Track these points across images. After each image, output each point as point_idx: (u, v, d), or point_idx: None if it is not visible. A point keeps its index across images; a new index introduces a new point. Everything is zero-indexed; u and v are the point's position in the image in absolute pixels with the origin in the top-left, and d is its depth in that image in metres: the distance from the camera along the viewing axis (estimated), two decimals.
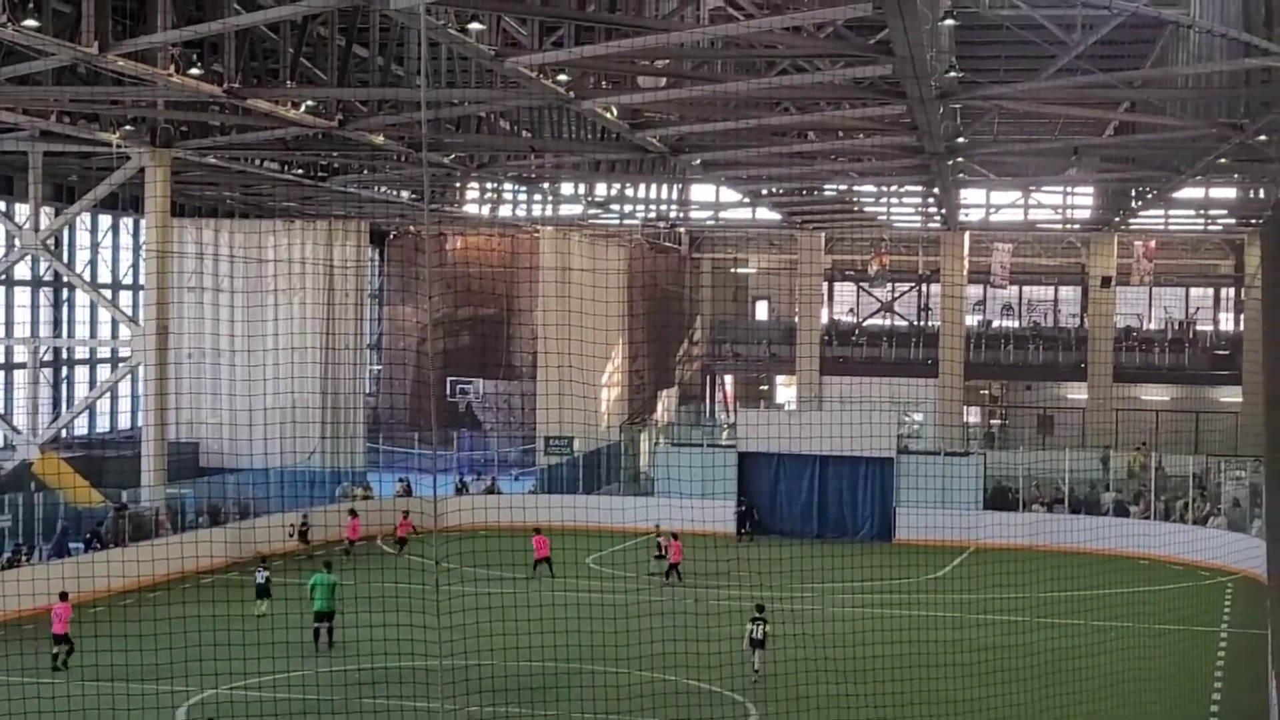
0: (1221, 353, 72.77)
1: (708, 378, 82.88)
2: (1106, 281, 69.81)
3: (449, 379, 74.48)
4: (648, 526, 48.33)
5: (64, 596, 33.95)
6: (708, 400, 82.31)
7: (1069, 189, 68.75)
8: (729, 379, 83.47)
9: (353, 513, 49.24)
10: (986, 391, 77.92)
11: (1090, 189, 68.18)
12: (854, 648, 31.76)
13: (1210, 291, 78.62)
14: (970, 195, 67.66)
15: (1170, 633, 38.55)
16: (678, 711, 29.00)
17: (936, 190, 57.65)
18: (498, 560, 45.66)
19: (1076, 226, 71.65)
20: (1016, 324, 78.34)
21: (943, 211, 65.08)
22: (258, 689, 30.36)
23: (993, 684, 31.18)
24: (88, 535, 43.45)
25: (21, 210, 52.04)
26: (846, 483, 54.45)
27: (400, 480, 57.52)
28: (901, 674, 30.41)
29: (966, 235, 69.38)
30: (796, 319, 74.97)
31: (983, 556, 49.39)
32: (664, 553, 44.88)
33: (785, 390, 79.67)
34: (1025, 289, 79.11)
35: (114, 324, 55.84)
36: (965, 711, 29.38)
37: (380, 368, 77.34)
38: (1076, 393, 73.34)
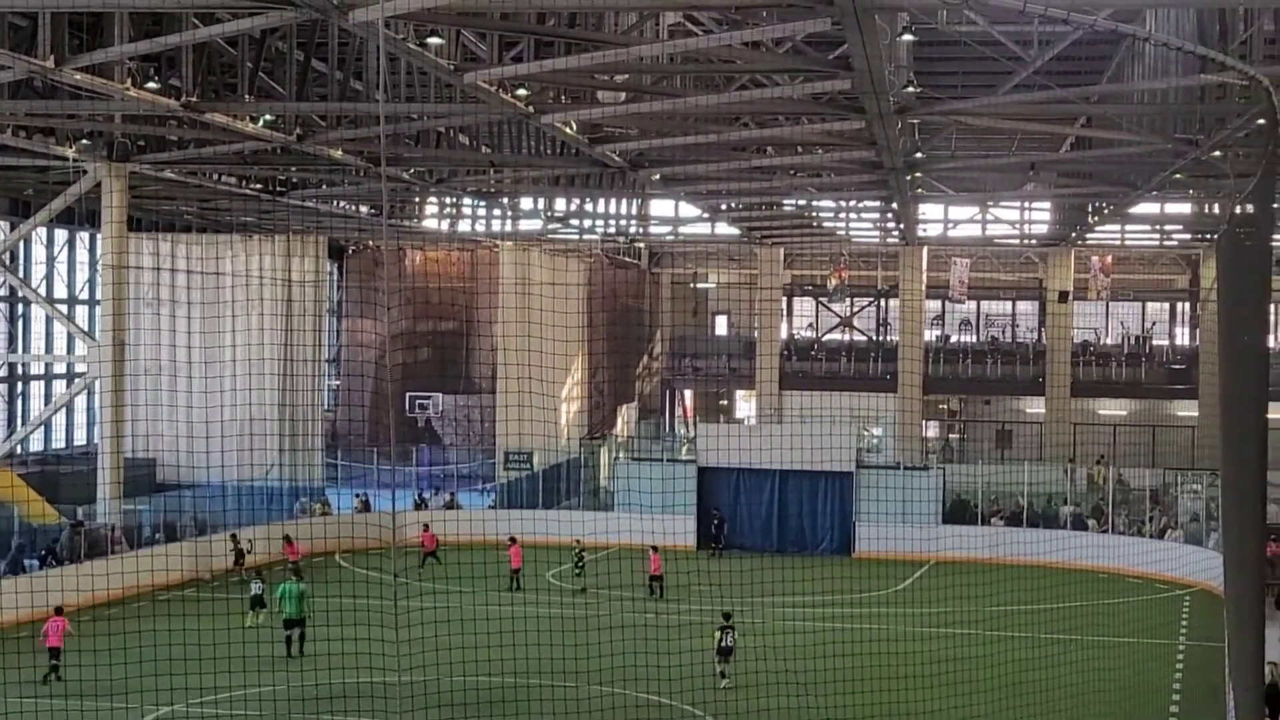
0: (1178, 367, 73.23)
1: (667, 392, 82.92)
2: (1064, 296, 70.14)
3: (408, 393, 74.29)
4: (609, 541, 48.32)
5: (59, 611, 33.86)
6: (667, 415, 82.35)
7: (1026, 204, 69.09)
8: (689, 393, 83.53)
9: (287, 539, 48.48)
10: (945, 406, 78.18)
11: (1047, 204, 68.54)
12: (814, 660, 31.78)
13: (1166, 306, 79.14)
14: (928, 210, 67.93)
15: (1128, 645, 38.74)
16: None
17: (895, 205, 57.84)
18: (457, 574, 45.61)
19: (1034, 242, 72.01)
20: (975, 338, 78.65)
21: (901, 226, 65.29)
22: (214, 705, 30.19)
23: (952, 696, 31.28)
24: (43, 552, 43.11)
25: None
26: (806, 497, 54.53)
27: (359, 495, 57.32)
28: (861, 686, 30.44)
29: (925, 250, 69.62)
30: (756, 334, 75.07)
31: (942, 570, 49.52)
32: (582, 566, 45.47)
33: (745, 405, 79.78)
34: (983, 304, 79.42)
35: (70, 339, 55.43)
36: None
37: (339, 382, 77.11)
38: (1035, 407, 73.65)
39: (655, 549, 44.91)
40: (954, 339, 78.14)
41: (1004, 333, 79.30)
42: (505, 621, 36.57)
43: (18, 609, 37.87)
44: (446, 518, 53.39)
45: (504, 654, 32.28)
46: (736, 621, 34.91)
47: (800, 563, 48.73)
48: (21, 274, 55.71)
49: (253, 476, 54.94)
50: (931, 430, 75.68)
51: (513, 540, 45.96)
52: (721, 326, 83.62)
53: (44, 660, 32.05)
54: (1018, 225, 71.39)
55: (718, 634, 33.21)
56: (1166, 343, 77.14)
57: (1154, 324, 78.13)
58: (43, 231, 57.64)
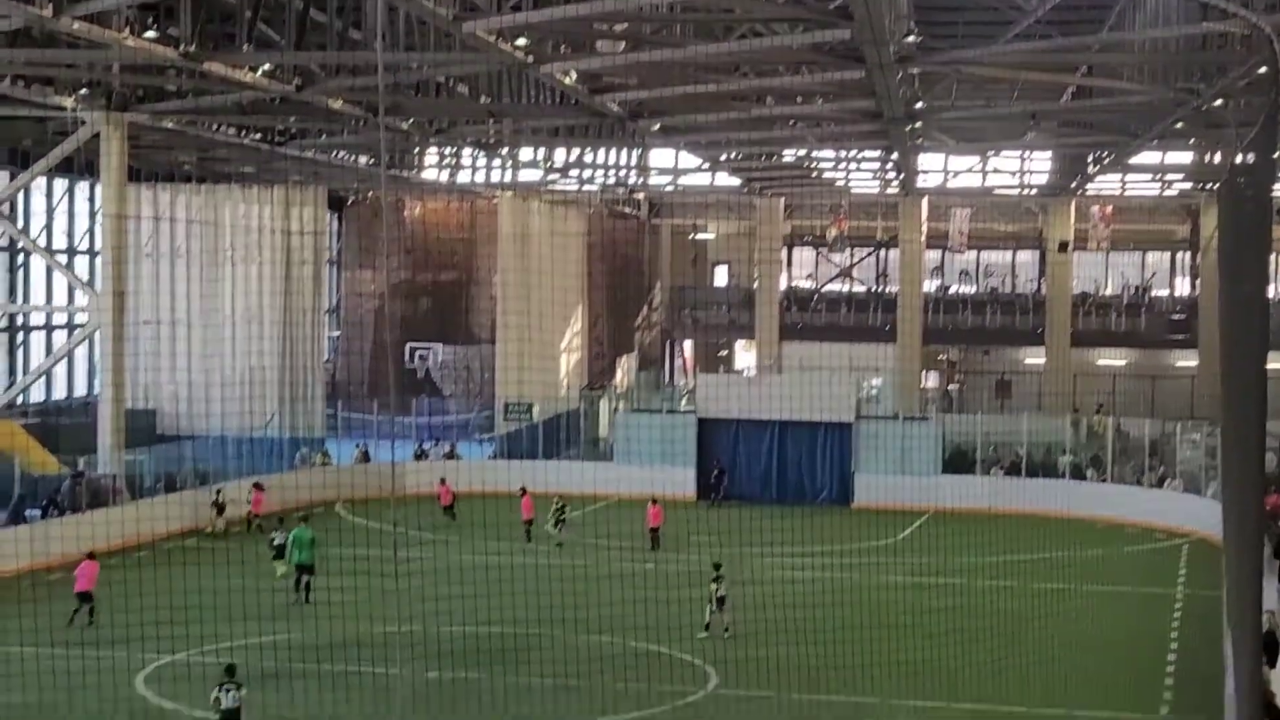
0: (1178, 317, 73.18)
1: (667, 343, 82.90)
2: (1064, 246, 70.03)
3: (408, 344, 74.29)
4: (608, 491, 48.40)
5: (91, 556, 33.91)
6: (667, 366, 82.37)
7: (1027, 154, 68.90)
8: (688, 345, 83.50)
9: (257, 485, 47.99)
10: (944, 356, 78.15)
11: (1048, 154, 68.32)
12: (812, 609, 31.88)
13: (1167, 256, 79.02)
14: (928, 160, 67.73)
15: (1127, 594, 38.88)
16: (637, 675, 29.09)
17: (895, 155, 57.69)
18: (456, 525, 45.78)
19: (1034, 192, 71.82)
20: (974, 289, 78.56)
21: (901, 177, 65.14)
22: (215, 655, 30.30)
23: (950, 645, 31.39)
24: (44, 502, 43.22)
25: None
26: (806, 448, 54.59)
27: (359, 446, 57.39)
28: (860, 635, 30.55)
29: (925, 200, 69.48)
30: (756, 284, 74.99)
31: (941, 520, 49.66)
32: (561, 521, 45.21)
33: (745, 356, 79.75)
34: (983, 254, 79.28)
35: (70, 289, 55.44)
36: (923, 673, 29.57)
37: (338, 333, 77.11)
38: (1034, 357, 73.65)
39: (655, 501, 45.00)
40: (953, 289, 78.03)
41: (1004, 283, 79.20)
42: (505, 571, 36.68)
43: (18, 558, 38.01)
44: (446, 469, 53.44)
45: (504, 604, 32.38)
46: (734, 573, 35.03)
47: (799, 513, 48.79)
48: (21, 224, 55.61)
49: (253, 427, 55.01)
50: (931, 381, 75.69)
51: (524, 491, 45.93)
52: (721, 277, 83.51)
53: (60, 607, 32.13)
54: (1018, 175, 71.22)
55: (712, 586, 33.27)
56: (1166, 293, 77.08)
57: (1154, 274, 78.05)
58: (42, 182, 57.47)
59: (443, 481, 49.43)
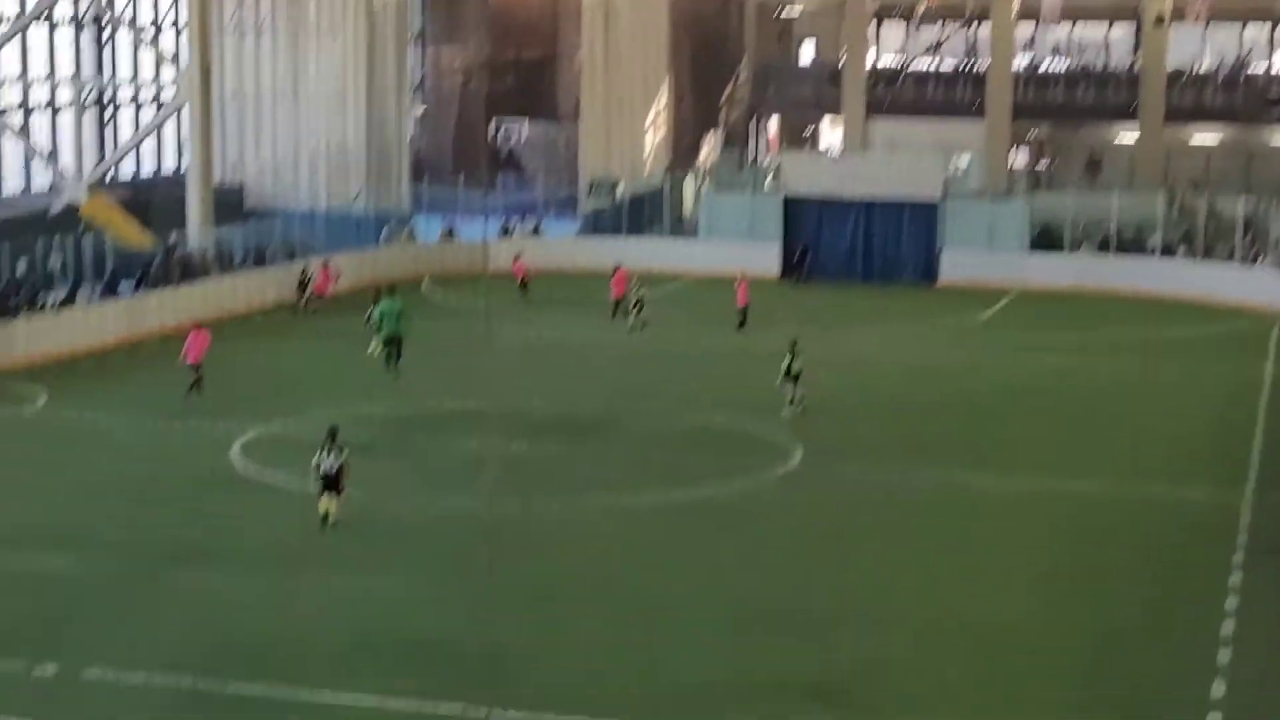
0: (1275, 93, 71.43)
1: (752, 121, 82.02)
2: (1160, 20, 68.27)
3: (492, 121, 73.97)
4: (690, 270, 48.29)
5: (200, 327, 34.54)
6: (752, 144, 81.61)
7: None
8: (774, 122, 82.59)
9: (325, 265, 47.70)
10: (1034, 133, 76.91)
11: None
12: (895, 388, 31.97)
13: (1266, 29, 76.82)
14: None
15: (1214, 374, 38.64)
16: (721, 451, 29.38)
17: None
18: (536, 302, 45.99)
19: None
20: (1067, 64, 76.93)
21: None
22: (305, 427, 30.86)
23: (1032, 425, 31.44)
24: (137, 276, 43.82)
25: None
26: (891, 227, 54.22)
27: (444, 223, 57.55)
28: (941, 414, 30.65)
29: None
30: (843, 61, 73.79)
31: (1027, 299, 49.40)
32: (640, 307, 44.11)
33: (831, 134, 78.86)
34: (1076, 28, 77.47)
35: (157, 64, 55.53)
36: (1003, 450, 29.67)
37: (423, 110, 76.85)
38: (1126, 133, 72.33)
39: (742, 279, 44.90)
40: (1045, 65, 76.46)
41: (1097, 58, 77.48)
42: (589, 348, 36.90)
43: (111, 330, 38.67)
44: (531, 246, 53.55)
45: (587, 380, 32.67)
46: (817, 352, 35.10)
47: (884, 293, 48.71)
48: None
49: (339, 203, 55.25)
50: (1019, 158, 74.64)
51: (618, 268, 45.62)
52: (808, 53, 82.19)
53: (139, 380, 32.75)
54: None
55: (786, 359, 33.44)
56: (1264, 68, 75.14)
57: (1251, 49, 76.00)
58: None
59: (517, 258, 49.34)
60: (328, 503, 23.86)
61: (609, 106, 64.13)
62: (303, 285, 46.42)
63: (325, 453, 23.92)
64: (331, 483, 23.86)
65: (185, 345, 32.88)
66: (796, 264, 53.14)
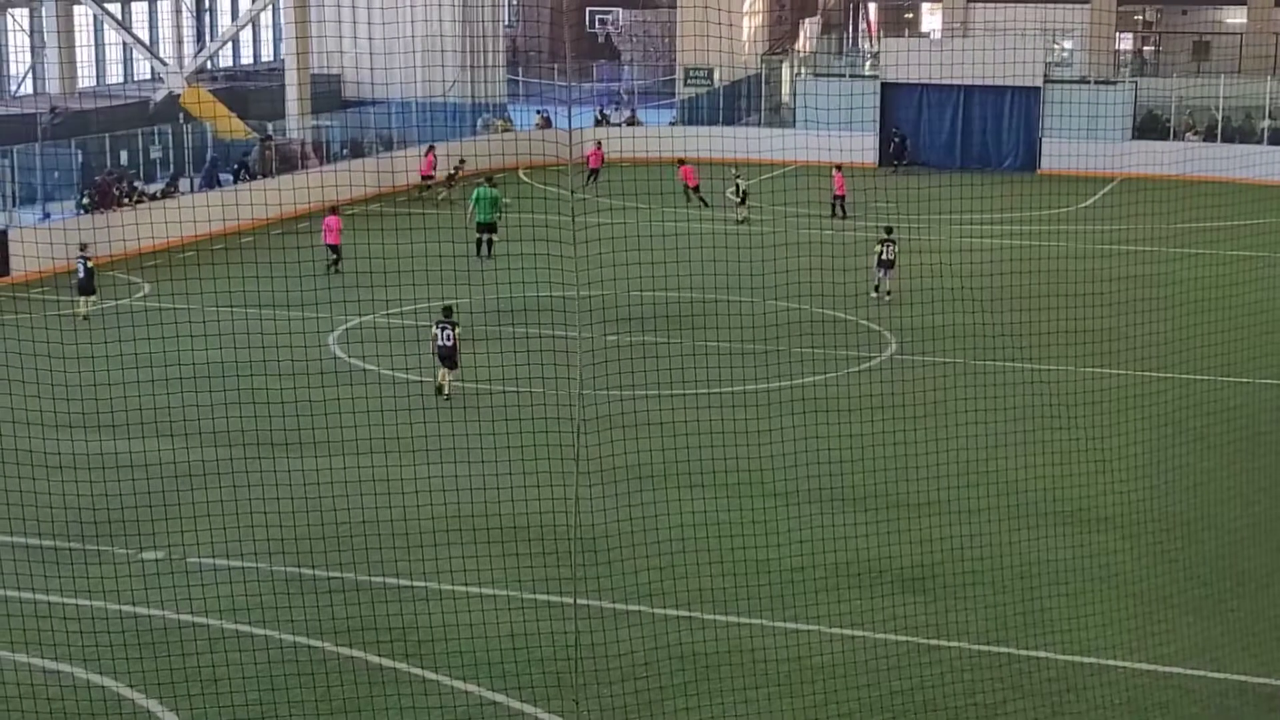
0: None
1: (851, 5, 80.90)
2: None
3: (587, 8, 73.45)
4: (788, 159, 47.92)
5: (334, 210, 36.00)
6: (850, 29, 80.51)
7: None
8: (873, 6, 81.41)
9: (430, 149, 47.56)
10: (1140, 17, 75.33)
11: None
12: (994, 278, 31.62)
13: None
14: None
15: None
16: (815, 341, 29.28)
17: None
18: (633, 191, 45.86)
19: None
20: None
21: None
22: (400, 316, 31.07)
23: (1132, 313, 31.00)
24: (235, 166, 44.11)
25: None
26: (991, 113, 53.54)
27: (540, 112, 57.37)
28: (1041, 304, 30.28)
29: None
30: None
31: (1130, 186, 48.62)
32: (743, 197, 43.66)
33: (930, 19, 77.66)
34: None
35: None
36: (1105, 340, 29.33)
37: None
38: (1235, 17, 70.68)
39: (839, 168, 44.54)
40: None
41: None
42: (682, 238, 36.79)
43: (210, 221, 38.95)
44: (625, 134, 53.28)
45: (682, 269, 32.56)
46: (915, 239, 34.83)
47: (984, 180, 48.03)
48: None
49: (435, 94, 55.18)
50: (1124, 43, 73.18)
51: (681, 162, 45.61)
52: None
53: (235, 272, 33.03)
54: None
55: (878, 248, 33.42)
56: None
57: None
58: None
59: (598, 145, 48.89)
60: (444, 375, 25.87)
61: None
62: (451, 177, 46.30)
63: (439, 327, 25.78)
64: (447, 356, 25.76)
65: (322, 227, 35.27)
66: (895, 152, 52.58)
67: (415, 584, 18.01)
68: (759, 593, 17.94)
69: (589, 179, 47.71)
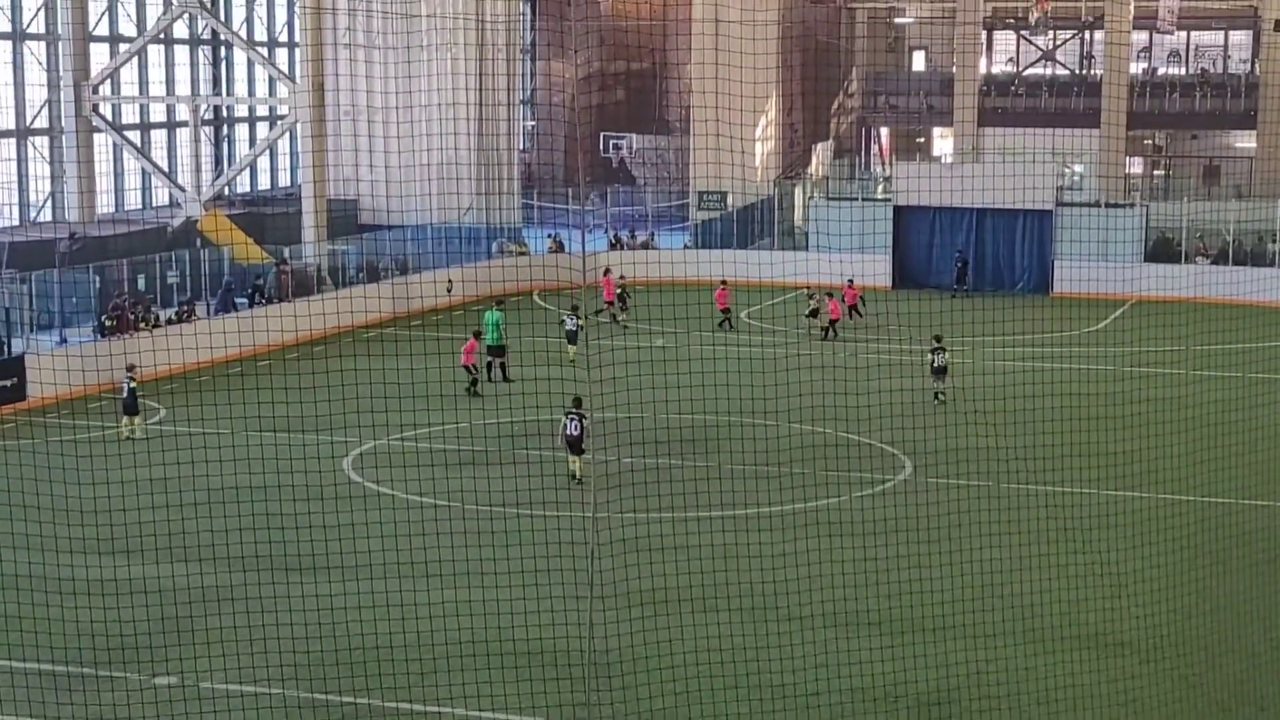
0: None
1: (863, 130, 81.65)
2: (1279, 25, 67.14)
3: (602, 134, 74.18)
4: (802, 281, 48.17)
5: (478, 335, 37.03)
6: (863, 153, 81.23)
7: None
8: (885, 131, 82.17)
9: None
10: (1150, 141, 75.95)
11: None
12: (1009, 400, 31.62)
13: None
14: None
15: None
16: (830, 464, 29.23)
17: None
18: (648, 315, 46.02)
19: None
20: (1183, 71, 75.90)
21: None
22: (414, 440, 31.10)
23: (1150, 436, 30.94)
24: (251, 290, 44.37)
25: None
26: (1004, 236, 53.82)
27: (553, 236, 57.74)
28: (1056, 426, 30.26)
29: None
30: (955, 69, 73.28)
31: (1143, 309, 48.73)
32: (818, 311, 44.61)
33: (942, 142, 78.31)
34: (1193, 34, 76.43)
35: (271, 82, 56.28)
36: (1122, 463, 29.24)
37: (533, 123, 77.22)
38: (1245, 141, 71.22)
39: (722, 284, 45.45)
40: (1161, 71, 75.48)
41: (1214, 64, 76.37)
42: (699, 361, 36.88)
43: (226, 347, 39.13)
44: (638, 259, 53.58)
45: (697, 393, 32.61)
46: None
47: (997, 302, 48.21)
48: (223, 17, 56.31)
49: (451, 218, 55.63)
50: (1135, 167, 73.72)
51: (723, 283, 45.97)
52: (919, 62, 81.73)
53: (250, 397, 33.15)
54: None
55: (929, 355, 34.20)
56: None
57: None
58: None
59: (607, 272, 48.19)
60: (575, 463, 27.75)
61: (718, 118, 63.99)
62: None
63: (569, 418, 27.56)
64: (574, 444, 27.52)
65: (463, 350, 36.58)
66: (957, 276, 52.74)
67: (429, 709, 17.88)
68: (776, 718, 17.76)
69: (607, 310, 47.10)
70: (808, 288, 45.86)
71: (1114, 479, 28.20)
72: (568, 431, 27.72)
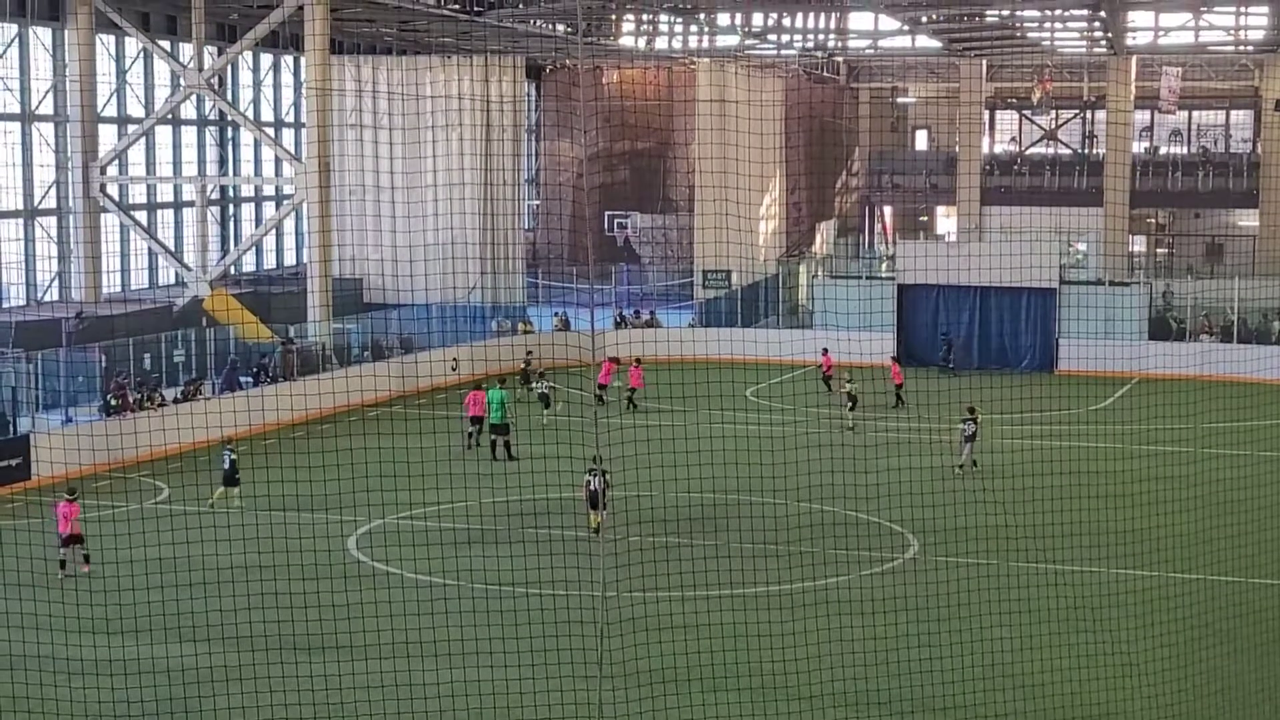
0: None
1: (867, 209, 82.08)
2: None
3: (606, 213, 74.54)
4: (807, 359, 48.21)
5: (479, 386, 39.06)
6: (867, 232, 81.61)
7: (1242, 8, 66.39)
8: (888, 210, 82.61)
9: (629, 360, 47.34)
10: (1153, 220, 76.31)
11: (1264, 8, 65.76)
12: (1015, 479, 31.63)
13: None
14: (1138, 18, 65.65)
15: None
16: (837, 542, 29.20)
17: (1103, 13, 56.04)
18: (656, 393, 46.04)
19: (1249, 48, 69.28)
20: (1185, 150, 76.36)
21: (1109, 35, 63.29)
22: (423, 519, 31.08)
23: (1156, 514, 30.91)
24: (256, 369, 44.46)
25: (185, 50, 52.65)
26: (1008, 314, 53.92)
27: (558, 314, 57.92)
28: (1062, 505, 30.25)
29: (1134, 60, 67.46)
30: (957, 148, 73.81)
31: (1147, 387, 48.75)
32: (851, 400, 43.16)
33: (946, 221, 78.71)
34: (1195, 114, 76.95)
35: (277, 162, 56.60)
36: (1129, 541, 29.21)
37: (538, 203, 77.62)
38: (1248, 219, 71.56)
39: (606, 360, 45.63)
40: (1163, 150, 75.94)
41: (1216, 143, 76.86)
42: (706, 440, 36.90)
43: (235, 425, 39.13)
44: (645, 337, 53.68)
45: (703, 471, 32.62)
46: (934, 440, 35.03)
47: (1002, 380, 48.26)
48: (230, 98, 56.74)
49: (455, 297, 55.80)
50: (1138, 245, 74.03)
51: (637, 362, 45.43)
52: (922, 142, 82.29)
53: (258, 476, 33.15)
54: (1232, 31, 68.73)
55: (961, 425, 35.26)
56: None
57: None
58: (249, 56, 58.54)
59: (607, 359, 46.70)
60: (595, 517, 28.84)
61: (722, 197, 64.37)
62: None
63: (591, 473, 28.61)
64: (594, 501, 28.73)
65: (465, 401, 38.67)
66: (943, 355, 52.79)
67: None
68: None
69: (599, 396, 44.91)
70: (848, 370, 44.62)
71: (1121, 557, 28.18)
72: (591, 487, 28.92)
